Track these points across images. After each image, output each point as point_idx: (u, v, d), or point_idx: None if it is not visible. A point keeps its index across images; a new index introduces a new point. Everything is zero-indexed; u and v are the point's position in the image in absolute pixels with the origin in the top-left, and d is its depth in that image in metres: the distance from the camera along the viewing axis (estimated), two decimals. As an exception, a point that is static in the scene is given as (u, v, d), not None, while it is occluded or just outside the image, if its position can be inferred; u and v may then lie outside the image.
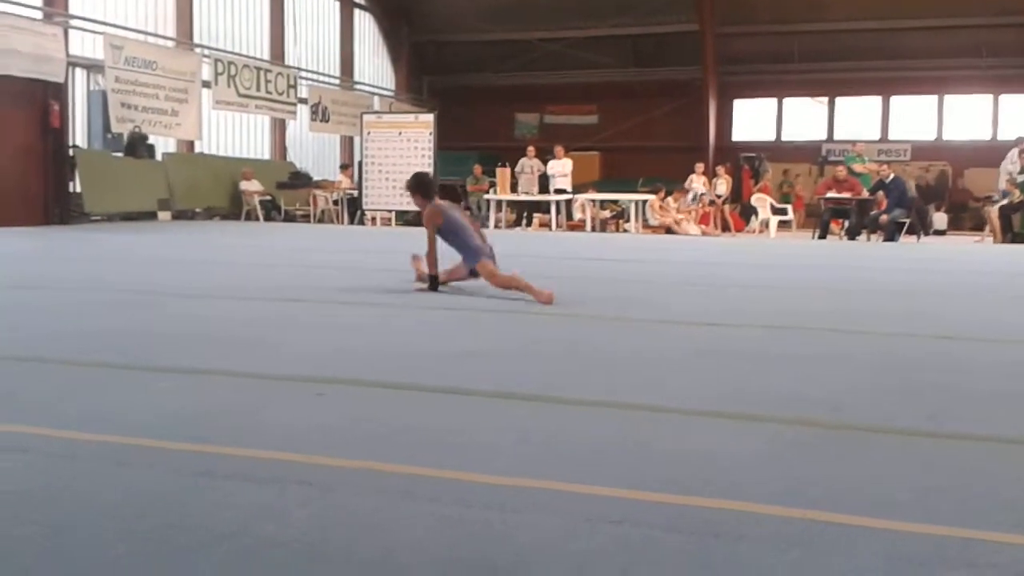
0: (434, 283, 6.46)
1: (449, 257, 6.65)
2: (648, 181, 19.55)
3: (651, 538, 2.02)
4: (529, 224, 18.28)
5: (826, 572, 1.87)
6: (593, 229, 17.05)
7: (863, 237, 15.29)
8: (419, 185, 6.73)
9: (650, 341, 4.73)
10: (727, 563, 1.91)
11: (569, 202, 17.95)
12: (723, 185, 19.17)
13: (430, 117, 17.42)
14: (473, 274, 6.42)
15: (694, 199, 18.39)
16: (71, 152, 14.84)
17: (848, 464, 2.61)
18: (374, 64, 25.47)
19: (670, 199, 17.71)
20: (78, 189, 14.81)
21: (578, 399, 3.31)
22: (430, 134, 16.80)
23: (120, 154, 15.75)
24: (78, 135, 15.66)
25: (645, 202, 17.38)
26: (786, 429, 2.98)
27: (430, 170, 7.88)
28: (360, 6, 24.52)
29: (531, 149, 18.90)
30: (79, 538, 1.98)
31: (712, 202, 18.69)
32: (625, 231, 17.09)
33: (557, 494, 2.29)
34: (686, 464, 2.57)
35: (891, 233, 14.91)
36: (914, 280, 8.50)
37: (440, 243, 6.53)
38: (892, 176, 15.58)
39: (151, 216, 16.23)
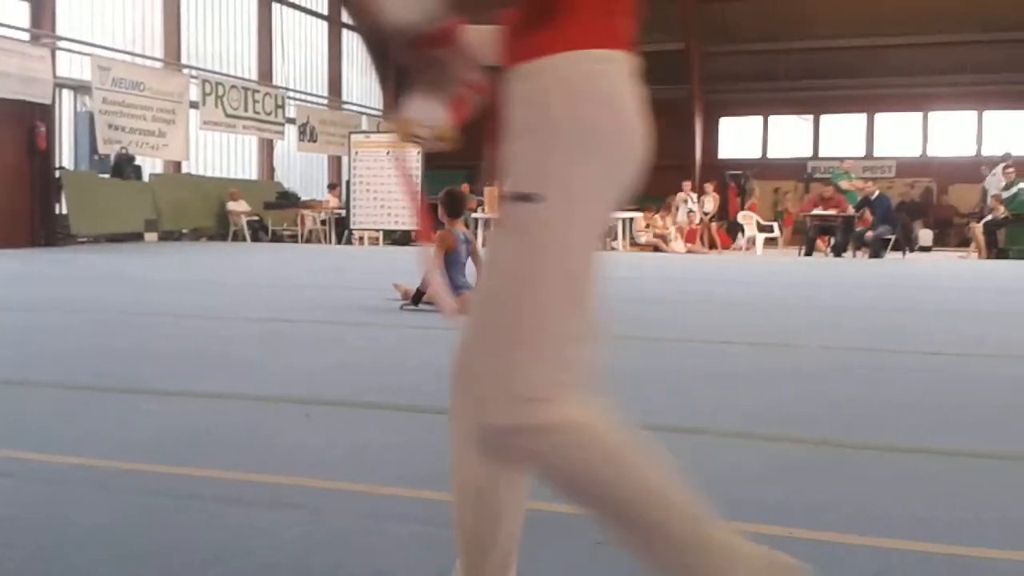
0: (418, 297, 6.51)
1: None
2: (637, 199, 19.59)
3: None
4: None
5: (815, 590, 1.88)
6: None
7: (849, 254, 15.37)
8: (449, 201, 6.76)
9: (637, 359, 4.73)
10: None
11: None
12: (710, 202, 19.25)
13: (418, 137, 17.41)
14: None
15: (686, 216, 18.44)
16: (58, 173, 14.80)
17: (837, 481, 2.62)
18: (362, 84, 25.53)
19: (657, 216, 17.75)
20: (64, 211, 14.76)
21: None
22: (418, 154, 16.83)
23: (107, 175, 15.72)
24: (65, 156, 15.61)
25: (632, 220, 17.42)
26: (774, 446, 2.99)
27: (460, 188, 7.92)
28: (348, 26, 24.58)
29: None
30: (66, 563, 1.97)
31: (700, 220, 18.76)
32: (612, 249, 17.13)
33: (547, 515, 2.29)
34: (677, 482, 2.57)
35: (877, 250, 14.99)
36: (900, 296, 8.54)
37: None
38: (877, 193, 15.68)
39: (138, 237, 16.18)
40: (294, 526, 2.19)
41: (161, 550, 2.04)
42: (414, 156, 16.82)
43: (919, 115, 24.15)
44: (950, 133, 23.97)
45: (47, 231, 14.34)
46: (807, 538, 2.14)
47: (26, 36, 14.17)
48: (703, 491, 2.47)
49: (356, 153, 17.31)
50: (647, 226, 17.38)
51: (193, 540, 2.10)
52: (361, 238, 17.99)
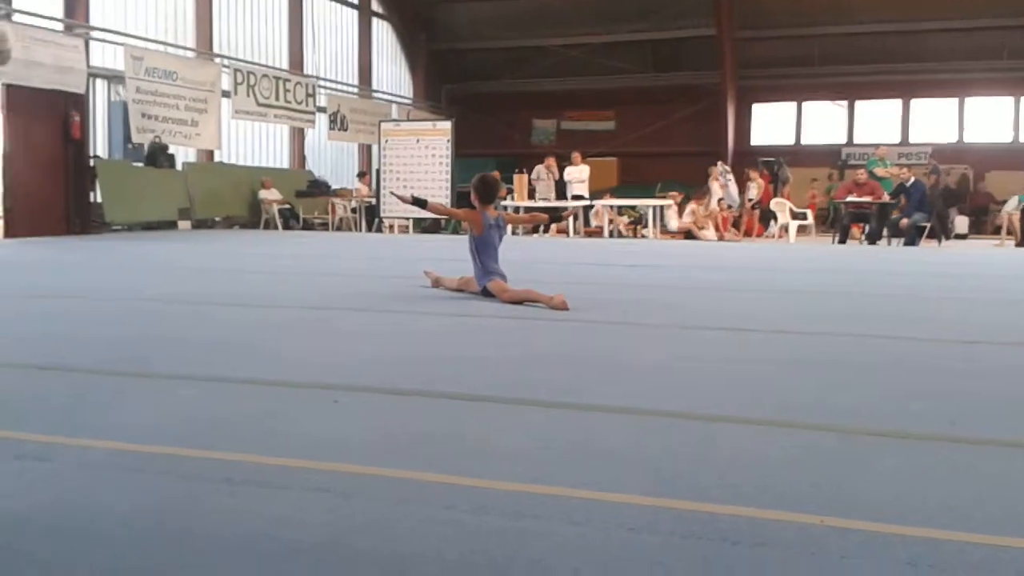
0: (419, 202, 6.92)
1: (466, 269, 6.69)
2: (666, 186, 19.48)
3: (668, 545, 2.01)
4: (547, 231, 18.27)
5: (847, 579, 1.86)
6: (611, 235, 17.02)
7: (883, 241, 15.19)
8: (480, 186, 6.78)
9: (669, 347, 4.71)
10: (746, 570, 1.89)
11: (587, 208, 17.93)
12: (755, 188, 19.01)
13: (447, 124, 17.46)
14: (485, 293, 6.43)
15: (717, 203, 18.27)
16: (92, 162, 14.96)
17: (870, 470, 2.59)
18: (392, 72, 25.56)
19: (693, 204, 17.61)
20: (99, 199, 14.93)
21: (597, 405, 3.29)
22: (448, 141, 16.84)
23: (140, 164, 15.87)
24: (99, 145, 15.78)
25: (663, 208, 17.32)
26: (808, 435, 2.96)
27: (493, 174, 8.10)
28: (378, 15, 24.62)
29: (550, 159, 18.85)
30: (97, 546, 1.99)
31: (730, 206, 18.59)
32: (643, 237, 17.05)
33: (574, 501, 2.28)
34: (708, 471, 2.55)
35: (912, 237, 14.79)
36: (935, 284, 8.43)
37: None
38: (912, 179, 15.47)
39: (171, 225, 16.33)
40: (323, 511, 2.20)
41: (192, 534, 2.05)
42: (444, 143, 16.82)
43: (955, 101, 23.80)
44: (987, 119, 23.60)
45: (82, 219, 14.52)
46: (840, 527, 2.11)
47: (60, 26, 14.32)
48: (736, 479, 2.46)
49: (386, 141, 17.35)
50: (691, 211, 17.19)
51: (224, 524, 2.11)
52: (391, 226, 18.03)
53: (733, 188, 18.70)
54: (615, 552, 1.97)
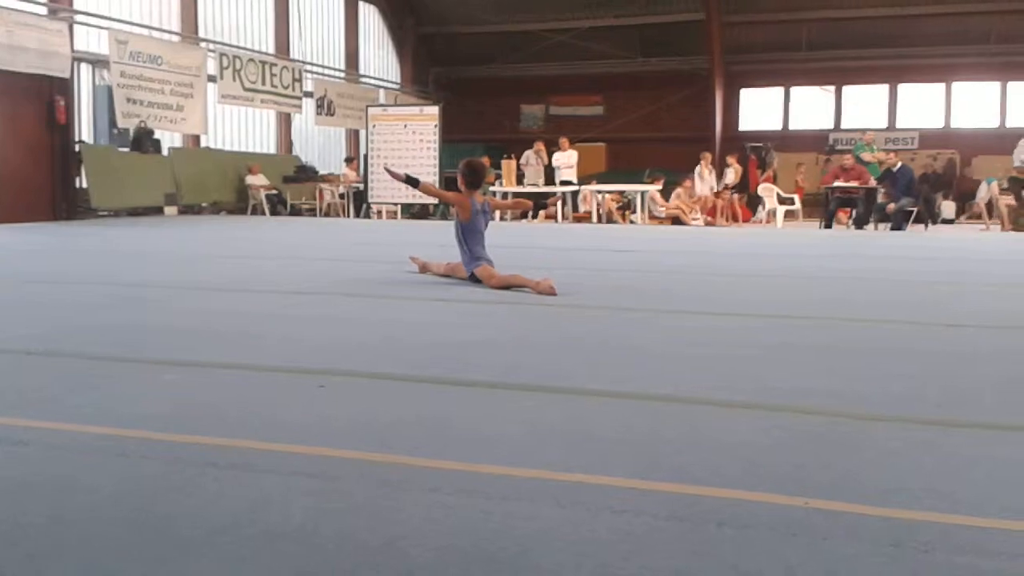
0: (411, 180, 6.88)
1: (455, 255, 6.68)
2: (654, 172, 19.46)
3: (653, 527, 2.01)
4: (535, 216, 18.26)
5: (832, 558, 1.86)
6: (599, 220, 17.01)
7: (870, 226, 15.23)
8: (468, 173, 6.77)
9: (655, 331, 4.71)
10: (731, 550, 1.90)
11: (575, 194, 17.91)
12: (732, 174, 19.07)
13: (435, 109, 17.39)
14: (473, 278, 6.42)
15: (706, 189, 18.29)
16: (77, 147, 14.85)
17: (855, 452, 2.60)
18: (379, 57, 25.42)
19: (680, 189, 17.61)
20: (84, 184, 14.83)
21: (583, 389, 3.29)
22: (435, 126, 16.78)
23: (126, 149, 15.76)
24: (84, 130, 15.65)
25: (647, 193, 17.32)
26: (793, 418, 2.97)
27: (480, 159, 8.05)
28: (364, -1, 24.48)
29: (539, 144, 18.83)
30: (81, 529, 1.98)
31: (718, 192, 18.61)
32: (631, 222, 17.05)
33: (559, 484, 2.28)
34: (693, 454, 2.56)
35: (899, 222, 14.84)
36: (921, 269, 8.46)
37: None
38: (899, 165, 15.50)
39: (157, 211, 16.24)
40: (306, 494, 2.19)
41: (174, 517, 2.04)
42: (432, 128, 16.76)
43: (942, 86, 23.84)
44: (974, 104, 23.65)
45: (68, 205, 14.42)
46: (825, 508, 2.12)
47: (44, 11, 14.18)
48: (722, 461, 2.46)
49: (373, 126, 17.27)
50: (676, 195, 17.22)
51: (206, 508, 2.11)
52: (379, 212, 17.98)
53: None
54: (601, 534, 1.97)
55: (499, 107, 26.80)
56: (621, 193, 18.00)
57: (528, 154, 18.47)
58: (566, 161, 17.99)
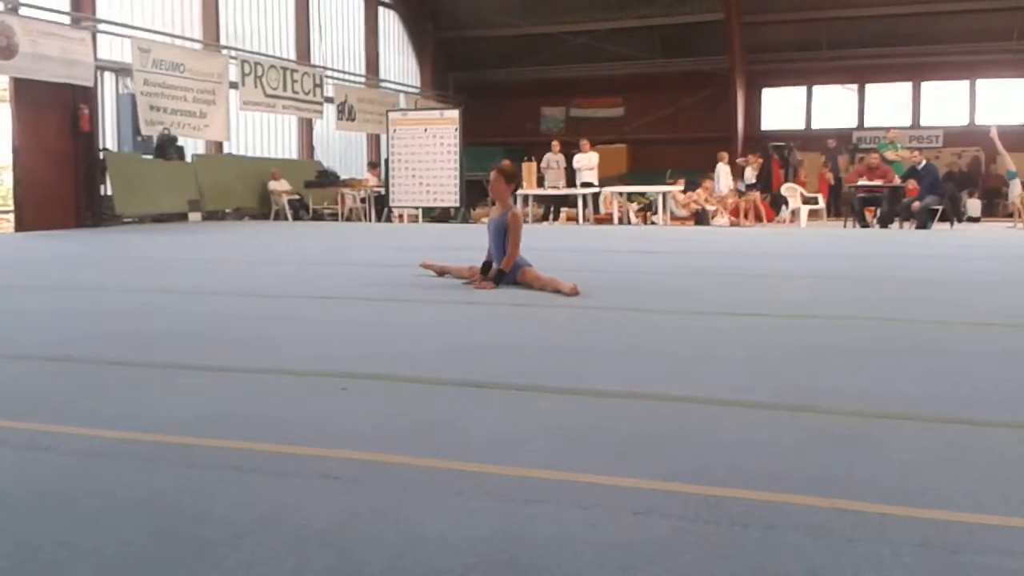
0: (499, 276, 6.37)
1: (468, 259, 6.68)
2: (675, 173, 19.40)
3: (677, 528, 2.00)
4: (556, 218, 18.25)
5: (858, 560, 1.84)
6: (620, 222, 16.97)
7: (895, 225, 15.10)
8: (511, 176, 6.68)
9: (677, 332, 4.69)
10: (757, 552, 1.88)
11: (596, 196, 17.88)
12: (751, 172, 18.94)
13: (455, 113, 17.42)
14: (504, 279, 6.35)
15: (727, 188, 18.18)
16: (101, 155, 14.99)
17: (881, 453, 2.57)
18: (399, 62, 25.51)
19: (700, 190, 17.54)
20: (109, 192, 14.96)
21: (605, 391, 3.28)
22: (456, 130, 16.81)
23: (150, 156, 15.90)
24: (108, 138, 15.81)
25: (668, 194, 17.27)
26: (818, 418, 2.94)
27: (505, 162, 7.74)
28: (385, 4, 24.56)
29: (555, 144, 18.85)
30: (106, 534, 1.99)
31: (741, 192, 18.51)
32: (653, 223, 17.00)
33: (582, 486, 2.27)
34: (716, 455, 2.54)
35: (924, 220, 14.71)
36: (947, 267, 8.38)
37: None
38: (924, 163, 15.37)
39: (181, 217, 16.37)
40: (331, 497, 2.19)
41: (199, 521, 2.05)
42: (452, 132, 16.79)
43: (966, 83, 23.63)
44: (998, 101, 23.41)
45: (92, 212, 14.56)
46: (850, 509, 2.10)
47: (67, 19, 14.33)
48: (746, 462, 2.44)
49: (394, 131, 17.33)
50: (687, 197, 17.17)
51: (229, 512, 2.11)
52: (401, 216, 18.03)
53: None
54: (623, 536, 1.96)
55: (519, 110, 26.81)
56: (642, 194, 17.96)
57: (548, 156, 18.48)
58: (587, 163, 17.98)
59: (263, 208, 18.13)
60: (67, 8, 14.44)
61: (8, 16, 13.10)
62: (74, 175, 14.31)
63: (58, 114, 13.98)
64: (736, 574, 1.78)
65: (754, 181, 18.88)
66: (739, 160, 19.45)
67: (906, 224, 15.02)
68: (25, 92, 13.39)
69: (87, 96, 14.41)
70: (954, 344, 4.35)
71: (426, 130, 17.04)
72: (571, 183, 18.11)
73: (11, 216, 13.99)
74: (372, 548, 1.91)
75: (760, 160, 19.34)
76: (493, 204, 7.14)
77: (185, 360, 3.87)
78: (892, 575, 1.78)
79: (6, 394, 3.35)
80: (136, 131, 15.67)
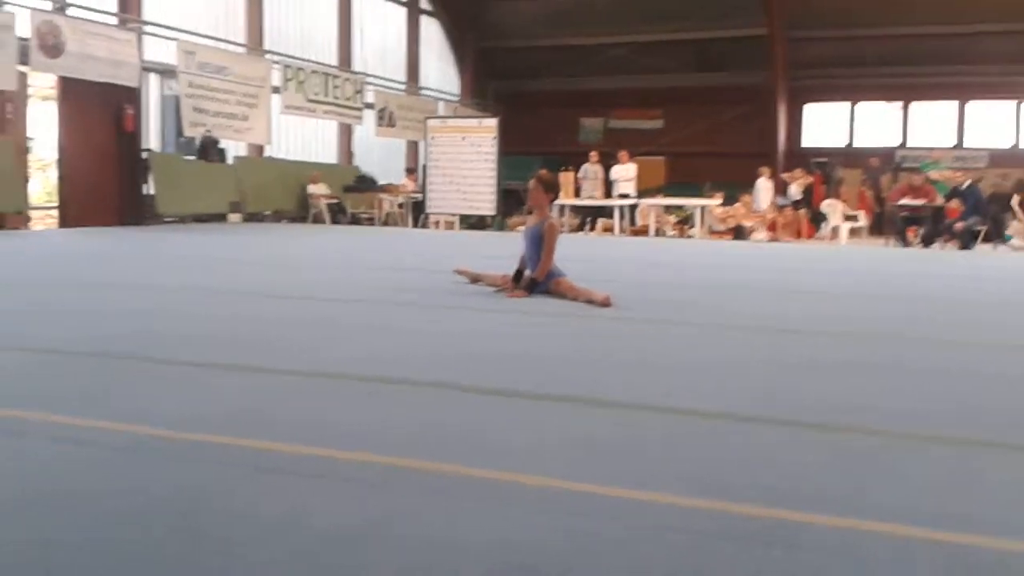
0: (532, 285, 6.38)
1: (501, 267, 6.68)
2: (713, 186, 19.28)
3: (698, 546, 1.98)
4: (592, 229, 18.21)
5: (881, 584, 1.81)
6: (657, 234, 16.89)
7: (938, 245, 14.90)
8: (551, 186, 6.73)
9: (709, 346, 4.65)
10: (779, 572, 1.85)
11: (633, 207, 17.82)
12: (795, 188, 18.76)
13: (494, 122, 17.46)
14: (537, 288, 6.34)
15: (768, 203, 18.03)
16: (145, 155, 15.20)
17: (908, 473, 2.53)
18: (439, 69, 25.63)
19: (739, 204, 17.41)
20: (151, 191, 15.16)
21: (632, 403, 3.26)
22: (494, 139, 16.85)
23: (192, 157, 16.09)
24: (152, 138, 16.03)
25: (705, 208, 17.16)
26: (847, 437, 2.90)
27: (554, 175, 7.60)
28: (426, 12, 24.70)
29: (593, 154, 18.82)
30: (130, 531, 2.01)
31: (781, 207, 18.34)
32: (690, 236, 16.91)
33: (604, 498, 2.26)
34: (740, 471, 2.51)
35: (966, 241, 14.49)
36: (986, 289, 8.24)
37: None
38: (968, 183, 15.15)
39: (221, 218, 16.54)
40: (353, 500, 2.20)
41: (223, 521, 2.06)
42: (490, 141, 16.83)
43: (1013, 103, 23.28)
44: (1045, 122, 23.04)
45: (135, 211, 14.75)
46: (876, 530, 2.07)
47: (114, 20, 14.57)
48: (771, 480, 2.41)
49: (432, 138, 17.40)
50: (726, 212, 17.08)
51: (253, 511, 2.12)
52: (437, 222, 18.09)
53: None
54: (645, 550, 1.94)
55: (557, 120, 26.82)
56: (680, 207, 17.87)
57: (586, 167, 18.46)
58: (625, 174, 17.93)
59: (302, 211, 18.28)
60: (114, 9, 14.68)
61: (55, 16, 13.34)
62: (118, 174, 14.52)
63: (103, 113, 14.20)
64: (757, 593, 1.76)
65: (799, 198, 18.69)
66: (784, 175, 19.27)
67: (948, 244, 14.82)
68: (71, 91, 13.62)
69: (132, 96, 14.63)
70: (991, 367, 4.27)
71: (464, 138, 17.09)
72: (608, 194, 18.07)
73: (56, 212, 14.22)
74: (392, 553, 1.91)
75: (810, 179, 19.11)
76: (530, 213, 7.13)
77: (218, 359, 3.90)
78: (917, 600, 1.75)
79: (40, 388, 3.40)
80: (179, 132, 15.88)
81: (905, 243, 15.34)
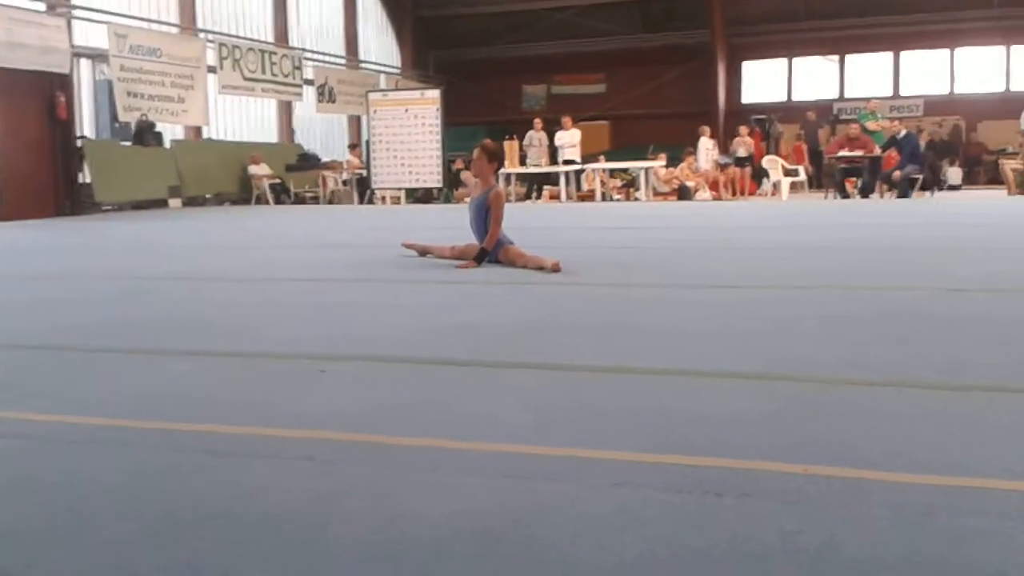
0: (482, 256, 6.32)
1: (460, 238, 6.66)
2: (657, 148, 19.38)
3: (651, 499, 2.01)
4: (539, 197, 18.21)
5: (834, 523, 1.86)
6: (603, 199, 16.96)
7: (876, 195, 15.15)
8: (493, 155, 6.70)
9: (659, 306, 4.70)
10: (730, 519, 1.89)
11: (579, 173, 17.84)
12: (743, 148, 18.93)
13: (436, 93, 17.33)
14: (487, 258, 6.32)
15: (709, 163, 18.18)
16: (79, 143, 14.86)
17: (857, 420, 2.59)
18: (379, 41, 25.33)
19: (682, 165, 17.53)
20: (87, 179, 14.84)
21: (584, 366, 3.29)
22: (437, 110, 16.74)
23: (128, 143, 15.76)
24: (86, 125, 15.66)
25: (650, 169, 17.25)
26: (796, 387, 2.96)
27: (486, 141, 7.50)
28: (362, -16, 24.37)
29: (538, 121, 18.79)
30: (84, 519, 1.98)
31: (723, 165, 18.51)
32: (636, 199, 17.00)
33: (558, 460, 2.28)
34: (694, 426, 2.55)
35: (904, 190, 14.76)
36: (926, 236, 8.42)
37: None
38: (904, 132, 15.41)
39: (162, 204, 16.26)
40: (307, 478, 2.20)
41: (176, 505, 2.05)
42: (433, 112, 16.71)
43: (946, 52, 23.67)
44: (978, 69, 23.47)
45: (71, 200, 14.43)
46: (824, 475, 2.11)
47: (43, 7, 14.16)
48: (722, 432, 2.46)
49: (375, 112, 17.24)
50: (668, 172, 17.19)
51: (207, 495, 2.11)
52: (383, 198, 17.96)
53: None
54: (599, 508, 1.97)
55: (500, 88, 26.71)
56: (624, 171, 17.93)
57: (531, 134, 18.42)
58: (569, 140, 17.92)
59: (244, 193, 18.03)
60: (42, -6, 14.28)
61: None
62: (52, 163, 14.17)
63: (35, 102, 13.82)
64: (710, 542, 1.79)
65: (744, 155, 18.87)
66: (735, 140, 19.39)
67: (887, 194, 15.08)
68: (1, 81, 13.24)
69: (64, 83, 14.25)
70: (933, 310, 4.38)
71: (407, 110, 16.96)
72: (553, 161, 18.07)
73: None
74: (347, 525, 1.91)
75: (755, 136, 19.28)
76: (465, 186, 7.09)
77: (166, 345, 3.86)
78: (867, 538, 1.79)
79: (-17, 384, 3.33)
80: (114, 118, 15.52)
81: (844, 195, 15.57)
